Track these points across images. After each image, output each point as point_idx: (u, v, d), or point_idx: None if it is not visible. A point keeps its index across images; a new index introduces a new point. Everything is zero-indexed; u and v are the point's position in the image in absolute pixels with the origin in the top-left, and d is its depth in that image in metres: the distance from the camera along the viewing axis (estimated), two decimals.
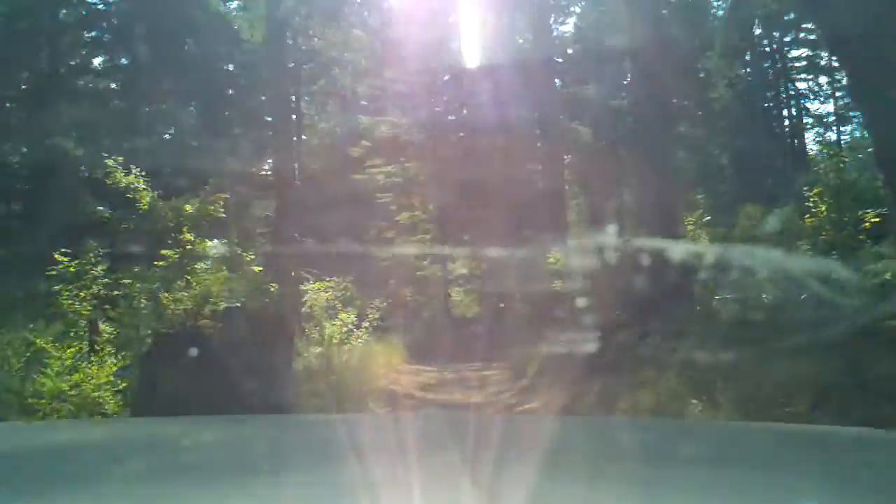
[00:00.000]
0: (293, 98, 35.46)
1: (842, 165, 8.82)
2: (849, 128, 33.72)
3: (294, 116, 35.43)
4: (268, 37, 12.68)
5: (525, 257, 21.01)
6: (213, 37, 27.20)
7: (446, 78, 24.75)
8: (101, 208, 9.72)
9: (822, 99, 35.55)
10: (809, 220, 9.29)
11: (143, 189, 9.81)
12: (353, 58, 15.42)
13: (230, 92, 29.94)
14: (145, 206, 9.63)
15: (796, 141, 36.11)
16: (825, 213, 8.86)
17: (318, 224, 29.15)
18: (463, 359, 13.97)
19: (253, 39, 14.80)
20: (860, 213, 8.60)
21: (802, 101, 34.64)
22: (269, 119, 14.46)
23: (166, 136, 29.32)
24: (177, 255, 9.28)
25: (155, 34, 24.75)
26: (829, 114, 35.39)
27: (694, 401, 4.50)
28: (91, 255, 8.69)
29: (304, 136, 36.19)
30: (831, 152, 9.34)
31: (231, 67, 30.14)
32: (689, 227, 10.62)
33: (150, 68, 25.25)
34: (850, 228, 8.48)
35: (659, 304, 6.85)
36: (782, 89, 34.37)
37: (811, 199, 9.29)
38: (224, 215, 10.30)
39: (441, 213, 22.09)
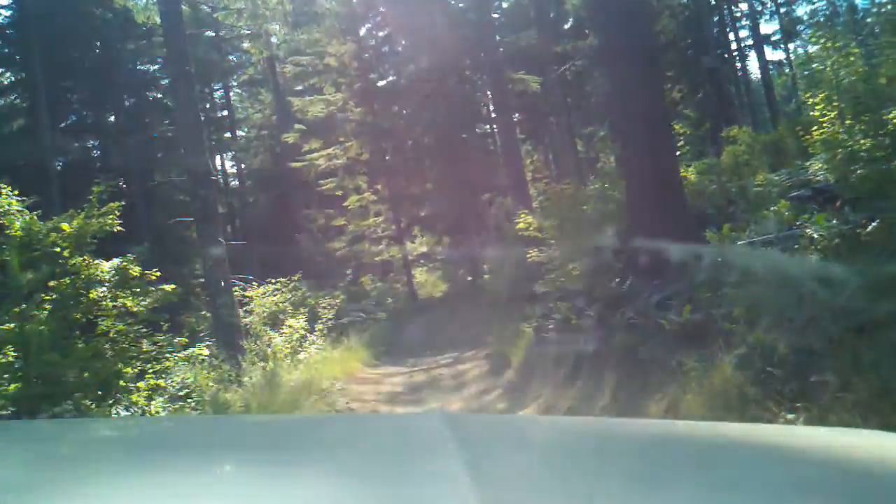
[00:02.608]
0: (223, 91, 33.59)
1: (851, 59, 7.29)
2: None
3: (227, 112, 33.64)
4: (161, 13, 10.83)
5: (488, 224, 19.46)
6: (122, 36, 25.24)
7: (377, 42, 22.86)
8: None
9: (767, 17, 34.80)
10: (818, 133, 7.71)
11: (18, 211, 7.99)
12: (268, 28, 13.55)
13: (148, 93, 28.08)
14: (18, 232, 7.81)
15: (747, 63, 34.98)
16: (839, 121, 7.33)
17: (256, 223, 27.30)
18: (433, 350, 12.36)
19: (150, 22, 13.02)
20: (882, 113, 6.97)
21: (756, 20, 33.65)
22: (178, 111, 12.62)
23: (89, 145, 27.33)
24: (66, 284, 7.59)
25: (60, 41, 22.70)
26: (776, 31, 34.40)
27: (790, 416, 2.77)
28: None
29: (239, 132, 34.28)
30: (838, 44, 7.67)
31: (151, 68, 28.39)
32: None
33: (56, 78, 23.14)
34: (873, 134, 6.88)
35: (671, 260, 5.25)
36: (726, 11, 33.07)
37: (816, 107, 7.74)
38: (122, 228, 8.50)
39: (391, 190, 20.30)
